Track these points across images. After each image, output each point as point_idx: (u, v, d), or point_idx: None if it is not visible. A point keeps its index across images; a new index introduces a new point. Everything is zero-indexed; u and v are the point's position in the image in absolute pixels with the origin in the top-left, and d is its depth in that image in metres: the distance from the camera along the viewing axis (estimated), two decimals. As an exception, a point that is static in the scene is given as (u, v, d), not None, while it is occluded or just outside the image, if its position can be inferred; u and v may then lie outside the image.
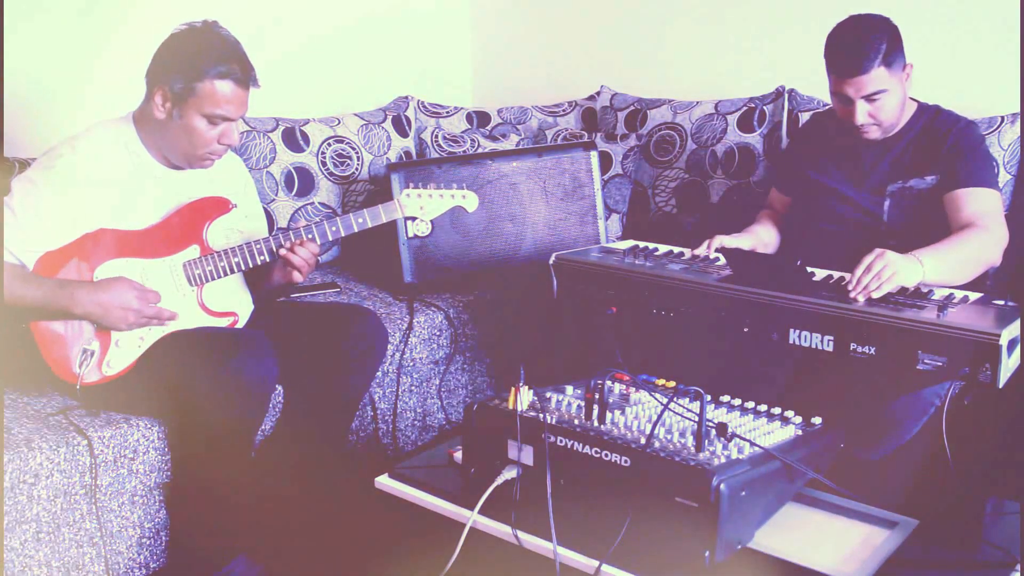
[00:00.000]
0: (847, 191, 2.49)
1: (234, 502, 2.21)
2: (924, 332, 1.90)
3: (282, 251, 2.29)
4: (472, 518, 1.77)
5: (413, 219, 2.47)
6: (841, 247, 2.47)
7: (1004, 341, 1.84)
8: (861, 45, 2.28)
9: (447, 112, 3.55)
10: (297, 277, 2.33)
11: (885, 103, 2.34)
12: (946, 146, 2.38)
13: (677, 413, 1.80)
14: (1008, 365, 1.88)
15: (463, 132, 3.47)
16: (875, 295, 2.04)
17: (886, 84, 2.31)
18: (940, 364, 1.89)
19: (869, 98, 2.32)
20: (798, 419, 1.89)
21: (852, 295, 2.04)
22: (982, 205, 2.33)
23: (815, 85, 3.08)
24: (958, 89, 2.73)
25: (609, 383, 1.96)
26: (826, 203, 2.53)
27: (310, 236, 2.32)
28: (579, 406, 1.87)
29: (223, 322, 2.33)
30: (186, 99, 2.17)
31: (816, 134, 2.65)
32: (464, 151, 3.33)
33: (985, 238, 2.27)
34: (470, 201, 2.49)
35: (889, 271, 2.06)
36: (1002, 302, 2.04)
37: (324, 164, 3.19)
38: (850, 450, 1.94)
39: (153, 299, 2.20)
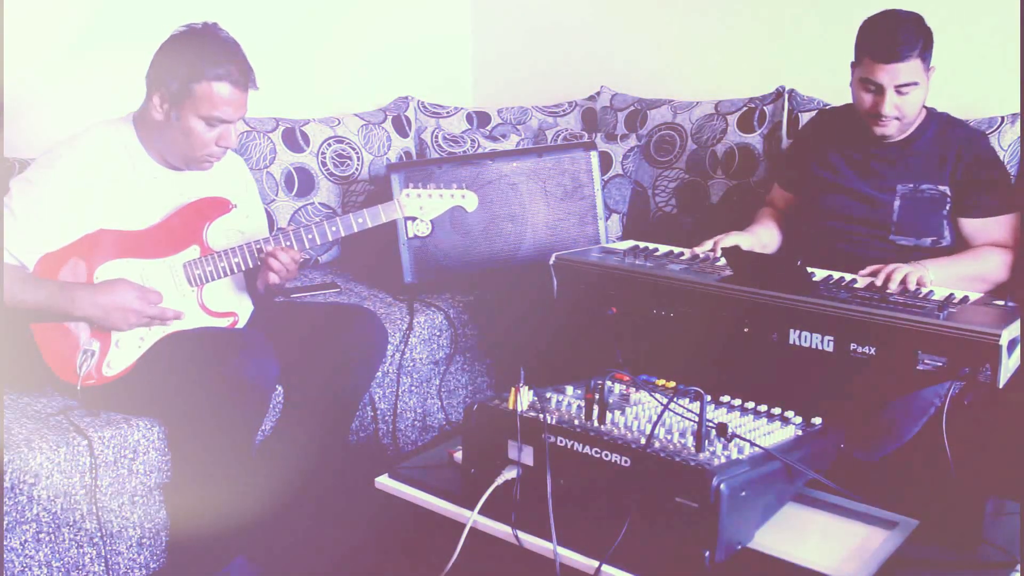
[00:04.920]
0: (857, 187, 2.49)
1: (234, 502, 2.21)
2: (924, 332, 1.90)
3: (264, 255, 2.29)
4: (472, 518, 1.77)
5: (413, 219, 2.47)
6: (848, 244, 2.47)
7: (1004, 341, 1.84)
8: (902, 33, 2.30)
9: (447, 112, 3.54)
10: (273, 279, 2.32)
11: (913, 97, 2.35)
12: (960, 161, 2.41)
13: (677, 413, 1.80)
14: (1008, 365, 1.88)
15: (463, 132, 3.47)
16: (891, 286, 2.13)
17: (919, 77, 2.33)
18: (940, 364, 1.89)
19: (900, 89, 2.33)
20: (798, 419, 1.89)
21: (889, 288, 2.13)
22: (997, 233, 2.41)
23: (815, 85, 3.10)
24: (958, 89, 2.73)
25: (609, 383, 1.96)
26: (834, 200, 2.53)
27: (309, 236, 2.32)
28: (579, 406, 1.86)
29: (223, 322, 2.33)
30: (183, 101, 2.17)
31: (823, 131, 2.65)
32: (464, 151, 3.33)
33: (996, 260, 2.37)
34: (469, 201, 2.49)
35: (899, 273, 2.17)
36: (1002, 302, 2.05)
37: (324, 164, 3.19)
38: (850, 450, 1.94)
39: (155, 299, 2.20)
